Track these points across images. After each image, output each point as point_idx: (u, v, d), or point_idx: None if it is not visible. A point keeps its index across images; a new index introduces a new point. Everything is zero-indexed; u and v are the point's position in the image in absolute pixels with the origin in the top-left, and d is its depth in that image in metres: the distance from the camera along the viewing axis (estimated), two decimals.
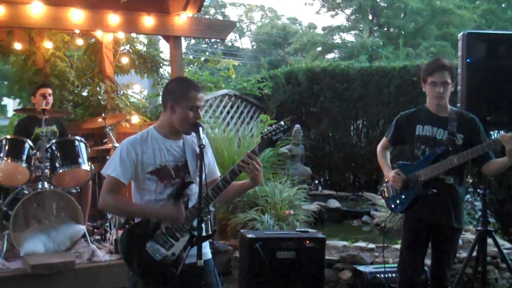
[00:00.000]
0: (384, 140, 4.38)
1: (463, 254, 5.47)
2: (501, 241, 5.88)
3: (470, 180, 8.03)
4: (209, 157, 3.34)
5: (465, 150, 3.83)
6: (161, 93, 3.26)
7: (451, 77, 3.94)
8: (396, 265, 5.09)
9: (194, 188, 3.18)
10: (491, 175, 4.23)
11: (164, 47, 9.24)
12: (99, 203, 3.12)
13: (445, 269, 4.05)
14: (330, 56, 34.35)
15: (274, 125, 3.16)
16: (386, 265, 5.05)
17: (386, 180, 4.29)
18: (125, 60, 8.26)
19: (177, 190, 3.12)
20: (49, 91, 6.41)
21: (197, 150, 3.15)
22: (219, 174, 3.40)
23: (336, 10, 36.93)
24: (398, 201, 4.15)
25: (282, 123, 3.16)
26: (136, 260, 3.07)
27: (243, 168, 3.08)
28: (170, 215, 3.05)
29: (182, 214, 3.06)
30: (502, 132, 3.90)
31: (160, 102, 9.02)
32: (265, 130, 3.18)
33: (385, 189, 4.31)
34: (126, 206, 3.22)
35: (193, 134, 3.18)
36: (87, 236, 5.81)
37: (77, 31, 7.29)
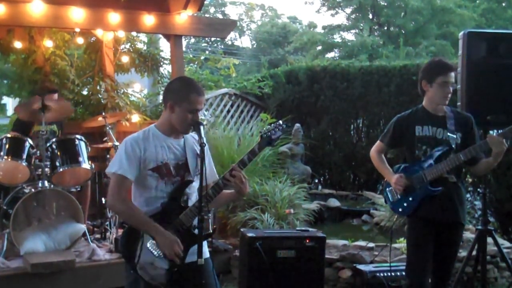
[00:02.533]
0: (379, 144, 4.33)
1: (463, 253, 5.46)
2: (500, 240, 5.88)
3: (470, 180, 8.04)
4: (208, 159, 3.34)
5: (462, 148, 3.86)
6: (161, 92, 3.29)
7: (455, 78, 3.98)
8: (396, 264, 5.11)
9: (194, 187, 3.21)
10: (479, 175, 4.25)
11: (165, 46, 9.24)
12: (108, 202, 3.12)
13: (450, 267, 4.05)
14: (330, 55, 34.32)
15: (273, 124, 3.20)
16: (387, 264, 5.05)
17: (384, 184, 4.29)
18: (125, 59, 8.26)
19: (177, 189, 3.14)
20: (54, 97, 6.37)
21: (197, 149, 3.19)
22: (217, 176, 3.39)
23: (336, 9, 36.93)
24: (405, 204, 4.09)
25: (281, 122, 3.20)
26: (136, 258, 3.07)
27: (229, 182, 3.11)
28: (167, 244, 3.02)
29: (178, 247, 3.03)
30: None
31: (160, 101, 9.10)
32: (264, 129, 3.21)
33: (389, 194, 4.24)
34: (133, 218, 3.13)
35: (193, 133, 3.21)
36: (87, 235, 5.81)
37: (77, 29, 7.28)
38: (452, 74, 3.94)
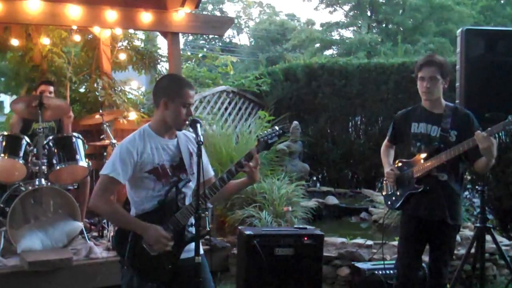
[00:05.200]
0: (386, 140, 4.45)
1: (462, 251, 5.46)
2: (499, 238, 5.89)
3: (469, 177, 8.04)
4: (203, 156, 3.33)
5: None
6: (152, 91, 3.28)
7: (441, 73, 3.94)
8: (394, 261, 5.11)
9: (190, 186, 3.23)
10: (481, 172, 4.25)
11: (162, 43, 9.23)
12: (91, 202, 3.11)
13: (442, 266, 4.04)
14: (328, 52, 34.26)
15: (270, 129, 3.29)
16: (385, 262, 5.05)
17: (385, 177, 4.32)
18: (122, 57, 8.25)
19: (174, 188, 3.14)
20: (50, 89, 6.37)
21: (190, 148, 3.24)
22: (212, 173, 3.44)
23: (335, 6, 36.85)
24: (394, 198, 4.23)
25: (277, 128, 3.29)
26: (131, 255, 3.07)
27: (242, 169, 3.16)
28: (154, 238, 3.03)
29: (166, 240, 3.04)
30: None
31: None
32: (261, 133, 3.30)
33: (384, 186, 4.37)
34: (116, 216, 3.18)
35: (186, 133, 3.26)
36: (85, 233, 5.79)
37: (74, 27, 7.27)
38: (431, 68, 3.93)
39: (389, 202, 4.29)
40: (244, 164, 3.15)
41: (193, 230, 3.06)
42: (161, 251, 3.04)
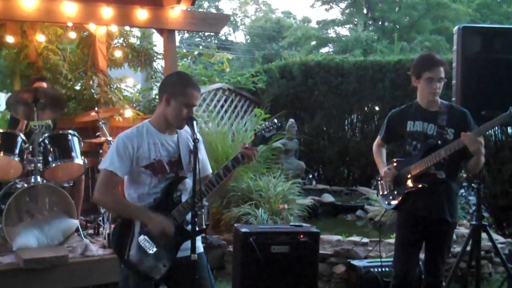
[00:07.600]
0: (378, 138, 4.40)
1: (457, 249, 5.47)
2: (495, 236, 5.89)
3: (465, 175, 8.05)
4: (202, 153, 3.34)
5: None
6: (155, 87, 3.28)
7: (445, 73, 3.94)
8: (390, 259, 5.11)
9: (187, 183, 3.21)
10: (473, 172, 4.25)
11: (158, 41, 9.21)
12: (94, 196, 3.11)
13: (439, 264, 4.04)
14: (324, 50, 34.22)
15: (267, 123, 3.23)
16: (381, 259, 5.05)
17: (380, 177, 4.30)
18: (118, 54, 8.24)
19: (170, 185, 3.14)
20: (43, 85, 6.36)
21: (190, 145, 3.20)
22: (210, 170, 3.43)
23: (331, 4, 36.84)
24: (391, 197, 4.17)
25: (276, 120, 3.24)
26: (127, 254, 3.06)
27: (239, 165, 3.15)
28: (160, 227, 3.03)
29: (171, 230, 3.05)
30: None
31: (154, 96, 9.07)
32: (258, 127, 3.26)
33: (379, 186, 4.32)
34: (120, 206, 3.17)
35: (187, 129, 3.20)
36: (80, 230, 5.79)
37: (70, 24, 7.24)
38: (440, 69, 3.91)
39: (386, 202, 4.23)
40: (241, 155, 3.13)
41: (189, 227, 3.06)
42: (161, 242, 3.04)
